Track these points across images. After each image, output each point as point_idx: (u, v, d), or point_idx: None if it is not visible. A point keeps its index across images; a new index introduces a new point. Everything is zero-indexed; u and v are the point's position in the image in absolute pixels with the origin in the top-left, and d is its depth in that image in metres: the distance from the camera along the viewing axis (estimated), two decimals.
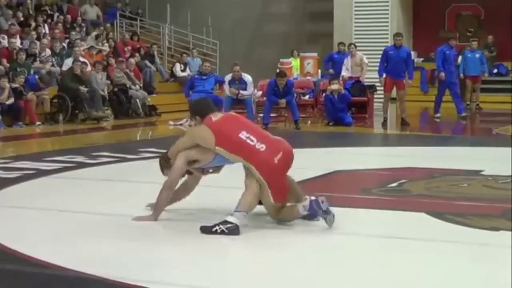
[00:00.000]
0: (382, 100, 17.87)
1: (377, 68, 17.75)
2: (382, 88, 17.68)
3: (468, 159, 9.54)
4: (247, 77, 17.03)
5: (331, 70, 20.60)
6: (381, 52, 17.67)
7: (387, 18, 24.63)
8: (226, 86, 17.03)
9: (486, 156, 11.52)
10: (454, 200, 7.52)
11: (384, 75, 17.17)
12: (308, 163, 10.57)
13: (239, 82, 16.87)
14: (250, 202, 6.28)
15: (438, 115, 18.76)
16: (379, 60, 17.66)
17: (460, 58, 24.36)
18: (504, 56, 24.24)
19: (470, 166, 9.66)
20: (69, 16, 23.34)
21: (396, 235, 6.12)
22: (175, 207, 6.93)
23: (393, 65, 16.91)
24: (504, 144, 13.93)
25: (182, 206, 7.09)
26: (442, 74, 18.48)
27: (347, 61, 19.95)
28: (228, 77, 17.23)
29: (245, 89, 16.87)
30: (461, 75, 22.96)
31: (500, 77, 23.20)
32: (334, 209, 6.90)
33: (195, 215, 6.83)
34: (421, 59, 26.30)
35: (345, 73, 19.84)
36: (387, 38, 24.03)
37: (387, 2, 24.61)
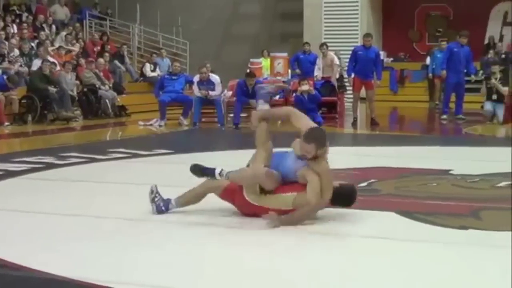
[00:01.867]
0: (351, 100, 17.95)
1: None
2: (351, 88, 17.75)
3: (437, 158, 9.60)
4: (215, 78, 17.03)
5: (297, 70, 20.63)
6: (349, 51, 17.74)
7: (357, 18, 24.73)
8: (195, 87, 17.02)
9: (455, 155, 11.59)
10: (424, 199, 7.55)
11: (353, 75, 17.23)
12: None
13: (206, 83, 16.87)
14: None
15: (444, 116, 18.64)
16: (343, 59, 17.75)
17: (428, 58, 24.59)
18: (473, 56, 24.43)
19: (439, 165, 9.72)
20: (38, 16, 23.18)
21: (365, 234, 6.13)
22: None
23: (362, 65, 16.97)
24: (472, 143, 14.05)
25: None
26: (444, 72, 18.44)
27: (319, 61, 20.01)
28: (196, 78, 17.23)
29: (213, 89, 16.87)
30: (430, 75, 23.14)
31: (469, 77, 23.33)
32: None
33: (176, 216, 6.80)
34: (391, 59, 26.45)
35: (317, 73, 19.89)
36: (356, 38, 24.12)
37: (357, 2, 24.71)
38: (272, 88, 18.39)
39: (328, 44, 20.65)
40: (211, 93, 16.76)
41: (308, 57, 20.53)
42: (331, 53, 20.35)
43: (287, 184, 6.55)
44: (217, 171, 6.86)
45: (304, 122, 6.73)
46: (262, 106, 16.25)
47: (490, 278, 4.97)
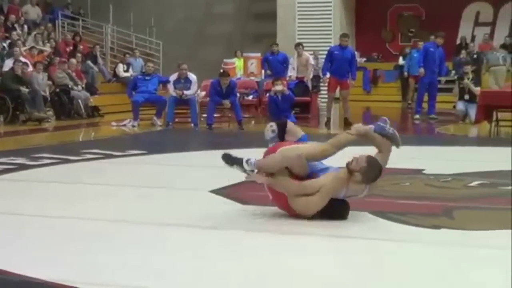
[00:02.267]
0: (326, 100, 17.99)
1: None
2: (325, 88, 17.79)
3: (410, 158, 9.63)
4: (192, 76, 17.02)
5: (268, 71, 20.65)
6: (324, 52, 17.77)
7: (330, 18, 24.80)
8: (171, 86, 16.97)
9: (428, 155, 11.66)
10: (397, 199, 7.59)
11: (328, 75, 17.26)
12: None
13: (184, 81, 16.84)
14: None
15: (417, 116, 18.76)
16: (322, 59, 17.76)
17: (401, 58, 24.72)
18: (445, 56, 24.57)
19: (412, 165, 9.76)
20: (9, 16, 23.02)
21: (339, 234, 6.14)
22: (135, 210, 6.88)
23: (338, 65, 16.99)
24: (445, 143, 14.14)
25: (140, 209, 7.05)
26: (422, 70, 18.54)
27: (294, 61, 20.04)
28: (173, 76, 17.18)
29: (189, 88, 16.84)
30: (405, 73, 23.25)
31: (441, 77, 23.44)
32: (278, 209, 6.95)
33: (150, 217, 6.79)
34: (364, 59, 26.53)
35: (291, 73, 19.93)
36: (330, 38, 24.21)
37: (330, 2, 24.77)
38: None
39: (303, 44, 20.68)
40: (186, 92, 16.73)
41: (277, 57, 20.53)
42: (306, 53, 20.39)
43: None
44: (244, 160, 6.91)
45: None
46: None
47: (463, 277, 5.00)
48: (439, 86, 19.67)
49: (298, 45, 20.34)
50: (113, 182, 8.84)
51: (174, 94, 16.76)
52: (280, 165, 6.54)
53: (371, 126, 6.68)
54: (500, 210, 7.12)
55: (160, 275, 4.99)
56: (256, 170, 6.74)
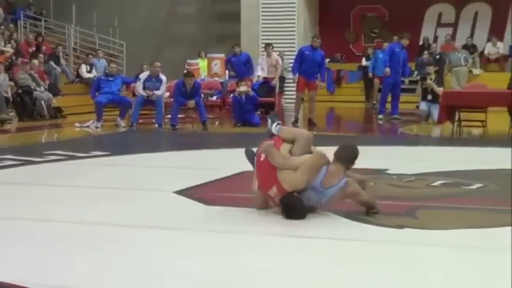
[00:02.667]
0: (290, 100, 18.02)
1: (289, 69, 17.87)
2: (290, 88, 17.81)
3: (374, 158, 9.67)
4: (163, 77, 16.95)
5: (231, 72, 20.63)
6: (289, 52, 17.78)
7: (294, 19, 24.83)
8: (139, 84, 16.82)
9: (391, 155, 11.72)
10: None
11: (297, 75, 17.27)
12: (216, 163, 10.59)
13: (155, 80, 16.76)
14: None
15: (381, 116, 18.86)
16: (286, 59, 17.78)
17: (364, 59, 24.84)
18: (408, 57, 24.75)
19: (376, 165, 9.80)
20: None
21: (302, 234, 6.15)
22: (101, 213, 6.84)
23: (308, 66, 17.00)
24: (408, 143, 14.22)
25: (103, 210, 7.02)
26: (388, 70, 18.62)
27: (263, 61, 20.04)
28: (144, 75, 17.09)
29: (159, 87, 16.75)
30: (370, 74, 23.36)
31: (404, 78, 23.58)
32: (242, 210, 6.95)
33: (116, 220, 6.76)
34: (327, 59, 26.60)
35: (260, 73, 19.93)
36: (293, 38, 24.25)
37: (294, 3, 24.80)
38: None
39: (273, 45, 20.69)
40: (156, 92, 16.63)
41: (240, 58, 20.52)
42: (275, 54, 20.42)
43: None
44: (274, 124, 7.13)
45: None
46: None
47: (425, 276, 5.03)
48: (402, 86, 19.79)
49: (268, 45, 20.35)
50: (76, 184, 8.78)
51: (142, 93, 16.64)
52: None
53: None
54: (462, 209, 7.18)
55: (120, 275, 4.96)
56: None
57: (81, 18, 26.95)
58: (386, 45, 21.77)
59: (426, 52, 24.20)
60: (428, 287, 4.84)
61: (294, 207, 6.59)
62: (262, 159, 6.88)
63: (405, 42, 18.78)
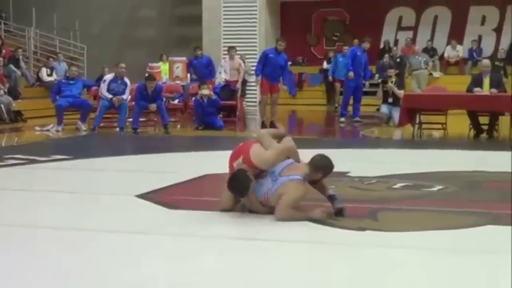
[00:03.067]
0: (251, 103, 18.04)
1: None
2: (251, 91, 17.82)
3: (335, 160, 9.71)
4: (127, 80, 16.85)
5: (193, 75, 20.60)
6: (250, 55, 17.79)
7: (255, 22, 24.86)
8: (104, 86, 16.68)
9: (352, 157, 11.77)
10: (322, 201, 7.62)
11: (260, 77, 17.29)
12: (178, 167, 10.58)
13: (121, 82, 16.65)
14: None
15: (343, 119, 18.93)
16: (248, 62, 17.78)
17: (325, 62, 24.94)
18: (369, 60, 24.89)
19: (337, 167, 9.81)
20: None
21: (263, 237, 6.16)
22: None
23: (271, 69, 17.02)
24: (369, 145, 14.30)
25: (64, 214, 6.96)
26: (351, 74, 18.71)
27: (226, 64, 20.03)
28: (109, 76, 16.97)
29: (124, 90, 16.64)
30: (330, 78, 23.44)
31: (365, 81, 23.71)
32: (205, 213, 6.95)
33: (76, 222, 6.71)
34: (289, 63, 26.66)
35: (223, 75, 19.91)
36: (255, 41, 24.29)
37: (255, 6, 24.83)
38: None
39: (227, 48, 20.69)
40: (122, 96, 16.52)
41: (201, 61, 20.51)
42: (238, 57, 20.42)
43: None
44: None
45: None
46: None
47: (387, 279, 5.06)
48: (364, 89, 19.91)
49: (231, 48, 20.34)
50: (37, 188, 8.71)
51: (106, 95, 16.49)
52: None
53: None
54: (423, 211, 7.23)
55: (84, 280, 4.94)
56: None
57: (42, 21, 26.73)
58: (346, 48, 21.89)
59: (387, 55, 24.35)
60: None
61: (239, 178, 6.73)
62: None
63: (366, 45, 18.94)
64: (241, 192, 6.75)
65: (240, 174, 6.76)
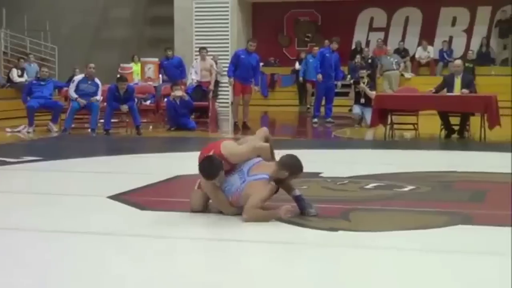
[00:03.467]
0: (224, 104, 18.03)
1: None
2: (224, 92, 17.82)
3: (307, 161, 9.72)
4: (98, 81, 16.76)
5: (165, 76, 20.55)
6: (222, 56, 17.79)
7: (227, 22, 24.87)
8: (72, 86, 16.57)
9: (325, 158, 11.80)
10: (294, 202, 7.63)
11: (232, 78, 17.29)
12: (151, 168, 10.56)
13: (91, 83, 16.56)
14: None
15: (315, 120, 18.94)
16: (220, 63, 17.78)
17: (297, 63, 24.99)
18: (340, 60, 24.96)
19: (309, 168, 9.84)
20: None
21: (238, 237, 6.16)
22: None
23: (243, 70, 17.04)
24: (341, 146, 14.34)
25: (35, 216, 6.92)
26: (320, 76, 18.73)
27: (196, 65, 20.00)
28: (78, 77, 16.88)
29: (96, 91, 16.55)
30: (301, 79, 23.48)
31: (337, 81, 23.76)
32: (177, 214, 6.94)
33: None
34: (261, 63, 26.69)
35: (194, 76, 19.89)
36: (227, 42, 24.29)
37: (227, 7, 24.85)
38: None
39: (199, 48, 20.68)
40: (96, 98, 16.41)
41: (172, 61, 20.50)
42: (209, 58, 20.40)
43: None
44: None
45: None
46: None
47: (358, 279, 5.07)
48: (336, 90, 19.96)
49: (202, 49, 20.32)
50: (7, 189, 8.65)
51: (73, 95, 16.39)
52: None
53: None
54: (395, 211, 7.26)
55: (56, 282, 4.91)
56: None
57: (12, 21, 26.57)
58: (316, 49, 21.97)
59: (358, 56, 24.45)
60: None
61: (212, 159, 6.76)
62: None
63: (335, 46, 18.96)
64: (211, 173, 6.70)
65: (212, 157, 6.78)
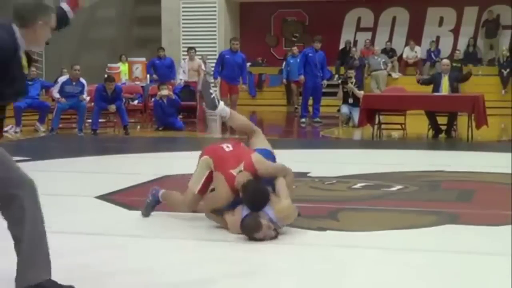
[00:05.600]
0: None
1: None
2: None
3: (295, 161, 9.73)
4: (83, 81, 16.72)
5: (154, 76, 20.53)
6: (210, 56, 17.80)
7: (215, 22, 24.86)
8: (56, 87, 16.54)
9: (313, 158, 11.81)
10: None
11: (219, 79, 17.29)
12: (138, 168, 10.54)
13: (76, 84, 16.52)
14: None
15: (303, 120, 18.90)
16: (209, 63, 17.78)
17: (284, 63, 24.97)
18: (328, 60, 24.97)
19: (297, 168, 9.85)
20: None
21: (224, 238, 6.15)
22: None
23: (229, 69, 17.07)
24: (329, 146, 14.36)
25: None
26: (302, 78, 18.74)
27: (184, 65, 20.00)
28: (62, 78, 16.84)
29: (82, 91, 16.50)
30: (284, 80, 23.44)
31: (324, 80, 23.77)
32: (164, 214, 6.93)
33: None
34: (249, 63, 26.69)
35: (182, 76, 19.88)
36: (215, 42, 24.28)
37: (215, 7, 24.84)
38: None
39: (186, 48, 20.67)
40: (84, 97, 16.37)
41: (164, 62, 20.50)
42: (197, 58, 20.40)
43: None
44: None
45: None
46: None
47: (346, 278, 5.08)
48: (325, 89, 19.96)
49: (191, 49, 20.32)
50: None
51: (56, 95, 16.37)
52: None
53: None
54: (383, 211, 7.27)
55: None
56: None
57: None
58: (295, 49, 22.04)
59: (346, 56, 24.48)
60: None
61: (265, 191, 6.10)
62: (228, 148, 6.57)
63: (317, 45, 18.92)
64: (261, 207, 6.02)
65: (265, 188, 6.14)
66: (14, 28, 4.48)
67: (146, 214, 6.86)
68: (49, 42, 4.68)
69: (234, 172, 6.28)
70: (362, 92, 17.49)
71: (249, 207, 6.04)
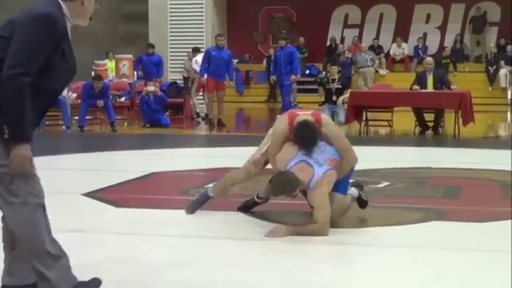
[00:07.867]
0: (198, 102, 18.03)
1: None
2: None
3: None
4: None
5: (140, 72, 20.47)
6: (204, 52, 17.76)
7: (202, 19, 24.81)
8: None
9: None
10: (270, 199, 7.63)
11: (206, 76, 17.28)
12: (126, 165, 10.53)
13: None
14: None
15: None
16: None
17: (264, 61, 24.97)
18: (315, 57, 24.97)
19: None
20: None
21: (211, 235, 6.16)
22: None
23: (215, 66, 17.05)
24: None
25: None
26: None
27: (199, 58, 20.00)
28: None
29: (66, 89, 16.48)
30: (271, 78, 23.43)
31: (312, 77, 23.84)
32: (152, 211, 6.93)
33: None
34: (236, 60, 26.66)
35: (195, 66, 19.88)
36: (202, 39, 24.23)
37: (202, 3, 24.79)
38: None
39: (173, 45, 20.62)
40: (63, 93, 16.33)
41: (151, 58, 20.45)
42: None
43: None
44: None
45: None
46: None
47: (333, 275, 5.08)
48: (309, 86, 19.93)
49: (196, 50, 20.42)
50: None
51: None
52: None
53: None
54: (370, 207, 7.26)
55: None
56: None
57: None
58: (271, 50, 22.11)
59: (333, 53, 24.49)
60: (336, 285, 4.89)
61: (313, 130, 6.23)
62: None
63: (282, 43, 18.91)
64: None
65: (315, 126, 6.26)
66: (61, 2, 4.21)
67: (190, 211, 6.86)
68: (92, 17, 4.42)
69: (299, 112, 6.56)
70: (347, 95, 16.91)
71: (299, 144, 6.19)
